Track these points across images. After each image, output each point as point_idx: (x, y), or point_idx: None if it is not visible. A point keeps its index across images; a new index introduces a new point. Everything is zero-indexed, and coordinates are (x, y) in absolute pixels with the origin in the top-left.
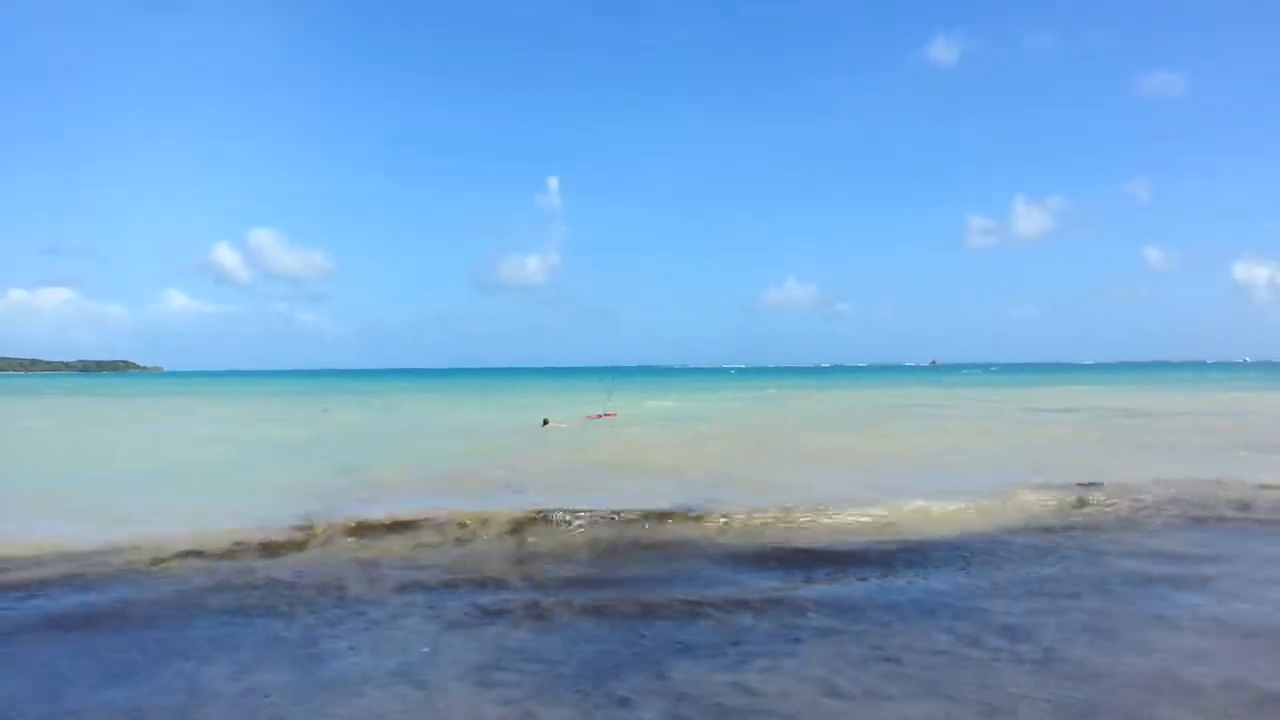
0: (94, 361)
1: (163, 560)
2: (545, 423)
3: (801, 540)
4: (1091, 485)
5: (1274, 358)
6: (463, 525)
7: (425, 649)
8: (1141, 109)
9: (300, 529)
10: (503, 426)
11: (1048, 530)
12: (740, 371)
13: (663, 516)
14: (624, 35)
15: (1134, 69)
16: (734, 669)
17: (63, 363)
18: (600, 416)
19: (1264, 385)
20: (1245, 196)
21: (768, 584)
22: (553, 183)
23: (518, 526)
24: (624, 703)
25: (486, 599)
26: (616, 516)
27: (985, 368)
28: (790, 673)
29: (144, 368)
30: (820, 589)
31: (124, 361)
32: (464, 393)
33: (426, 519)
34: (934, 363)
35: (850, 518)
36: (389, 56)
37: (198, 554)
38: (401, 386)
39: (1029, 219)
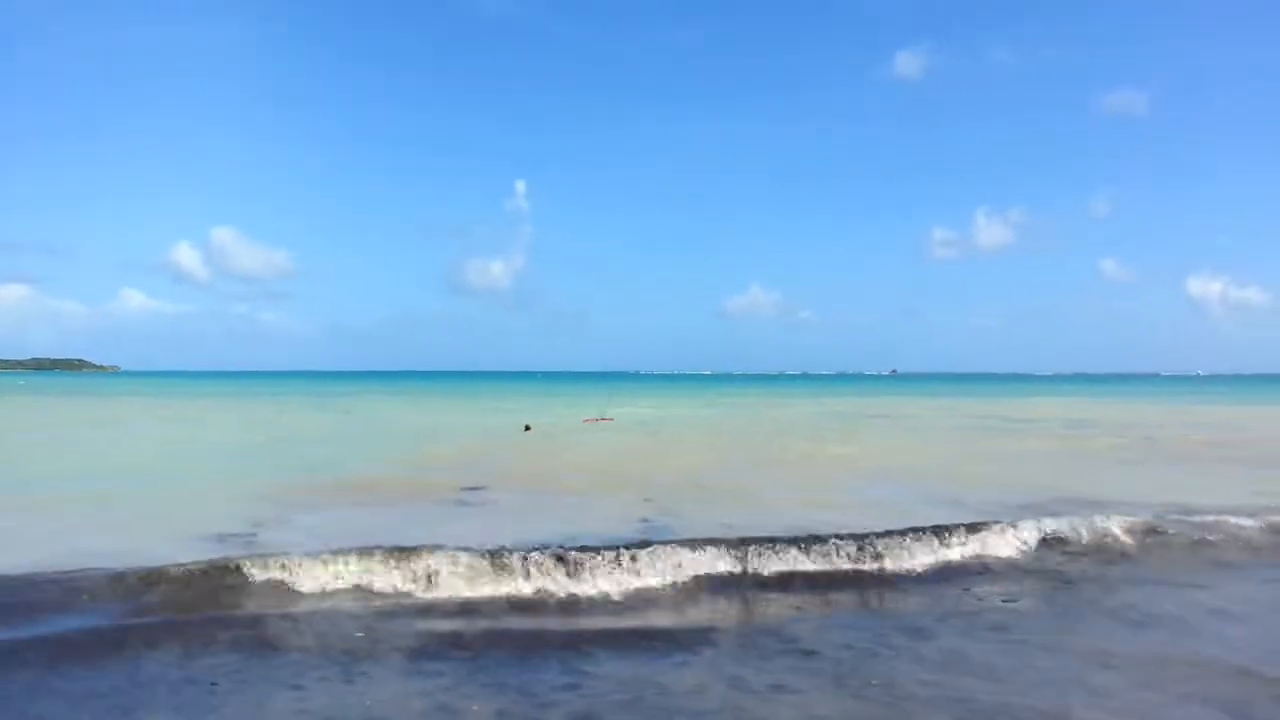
0: (49, 359)
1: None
2: (527, 428)
3: None
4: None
5: (1225, 370)
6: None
7: None
8: (1103, 125)
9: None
10: (483, 429)
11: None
12: (708, 378)
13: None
14: (594, 41)
15: (1097, 85)
16: None
17: (16, 360)
18: (598, 420)
19: (1222, 399)
20: (1201, 213)
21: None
22: (520, 186)
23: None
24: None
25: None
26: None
27: (944, 377)
28: None
29: (100, 367)
30: None
31: (79, 360)
32: (432, 396)
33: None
34: (894, 371)
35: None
36: (356, 55)
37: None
38: (365, 389)
39: (990, 231)
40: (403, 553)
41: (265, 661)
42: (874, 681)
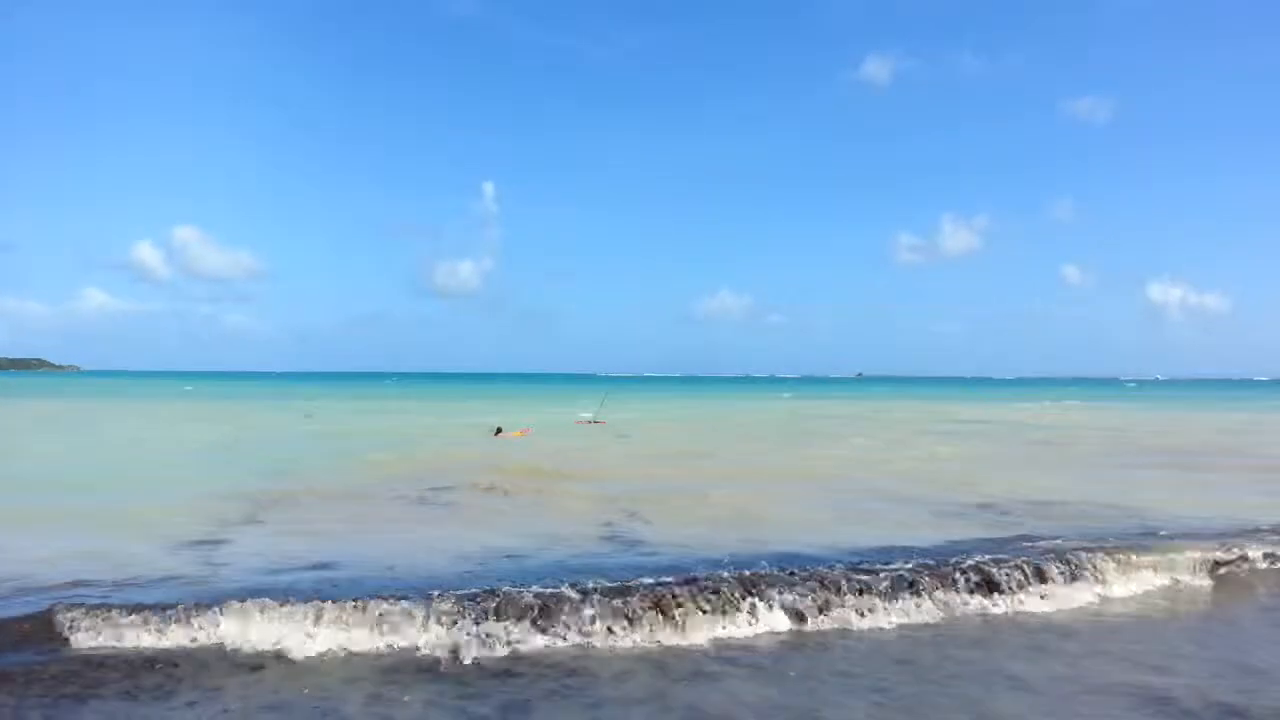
0: (7, 359)
1: None
2: (497, 431)
3: None
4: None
5: (1184, 375)
6: None
7: None
8: (1067, 131)
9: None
10: (451, 434)
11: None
12: (678, 380)
13: None
14: (560, 44)
15: (1062, 92)
16: None
17: None
18: (590, 422)
19: (1180, 403)
20: (1161, 219)
21: None
22: (489, 188)
23: None
24: None
25: None
26: None
27: (909, 380)
28: None
29: (59, 366)
30: None
31: (38, 360)
32: (401, 398)
33: None
34: (860, 375)
35: None
36: (321, 55)
37: None
38: (329, 390)
39: (956, 236)
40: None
41: None
42: None
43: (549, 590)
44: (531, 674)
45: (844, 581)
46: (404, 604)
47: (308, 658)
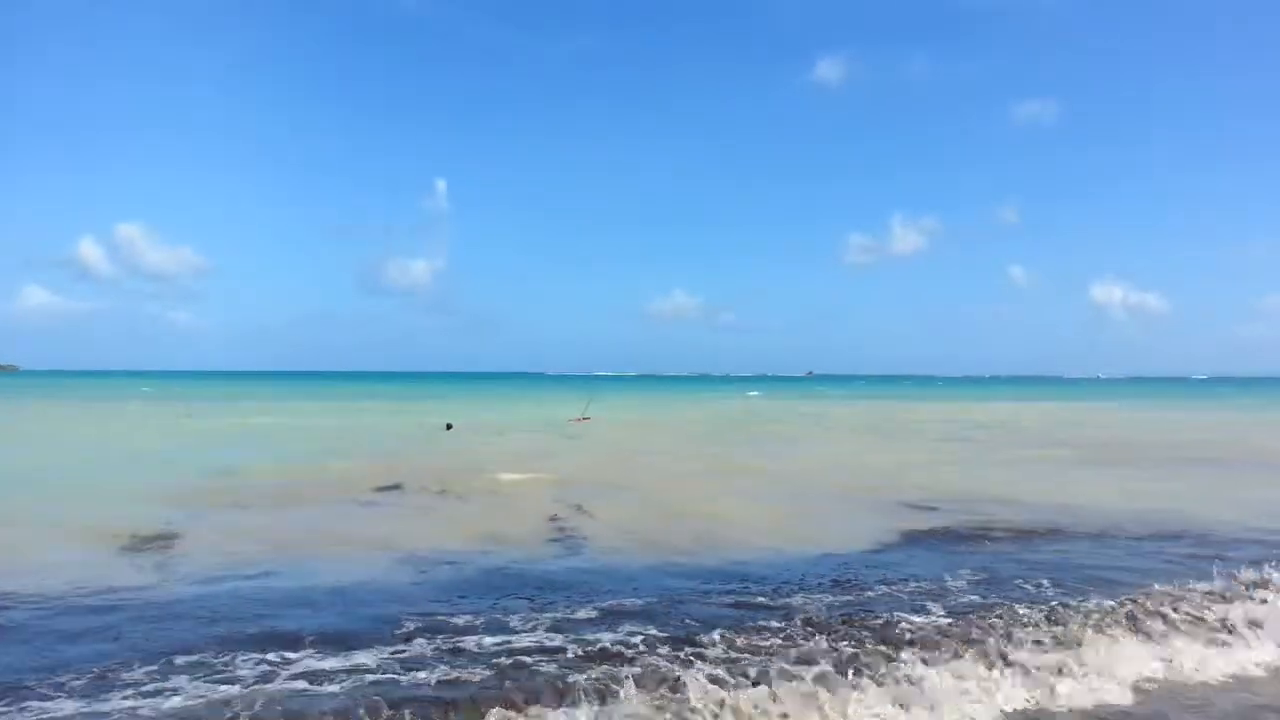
0: None
1: None
2: (448, 427)
3: None
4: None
5: (1124, 374)
6: None
7: None
8: (1014, 134)
9: None
10: (400, 431)
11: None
12: (633, 379)
13: None
14: (512, 43)
15: (1009, 95)
16: None
17: None
18: (580, 420)
19: (1115, 401)
20: (1104, 220)
21: None
22: (440, 185)
23: None
24: None
25: None
26: None
27: (859, 379)
28: None
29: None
30: None
31: None
32: (352, 396)
33: None
34: (810, 373)
35: None
36: (269, 51)
37: None
38: (279, 389)
39: (905, 237)
40: None
41: None
42: None
43: None
44: None
45: None
46: None
47: None
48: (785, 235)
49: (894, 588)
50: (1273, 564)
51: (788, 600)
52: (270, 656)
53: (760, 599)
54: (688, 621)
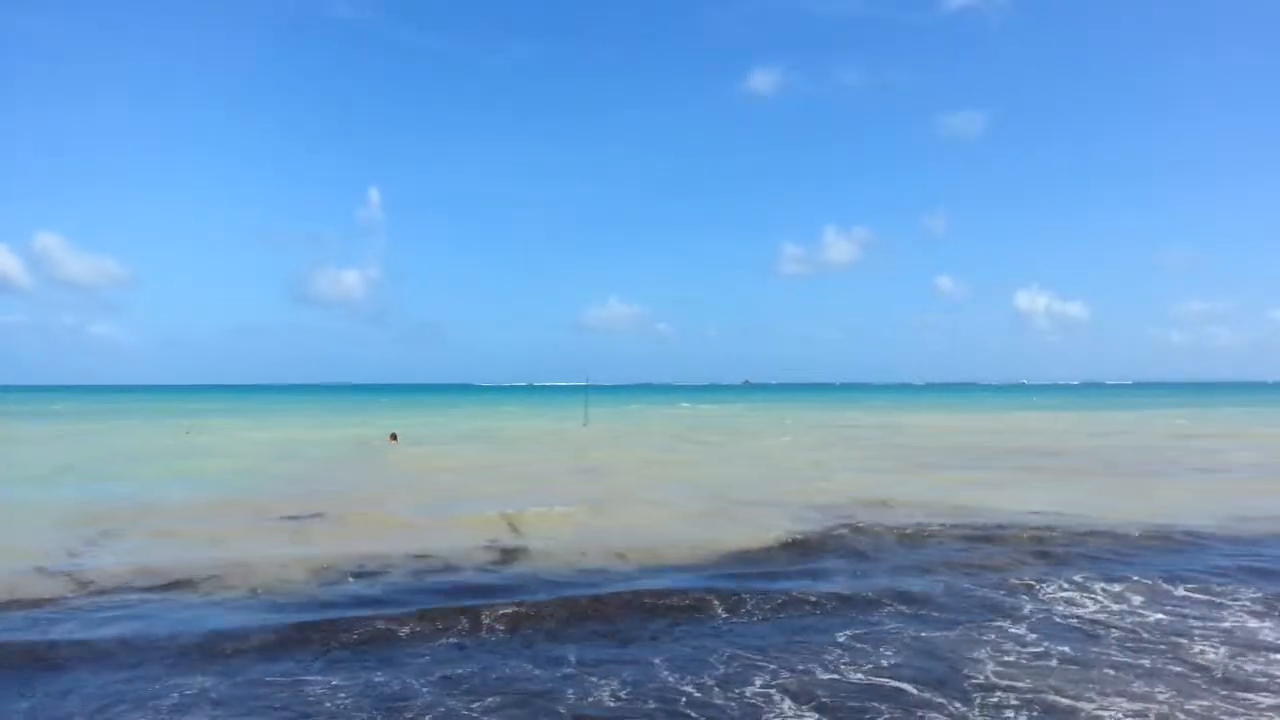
0: None
1: None
2: (393, 437)
3: None
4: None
5: (1047, 380)
6: None
7: None
8: (941, 145)
9: None
10: (343, 441)
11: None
12: (568, 389)
13: None
14: (446, 50)
15: (937, 107)
16: None
17: None
18: (583, 426)
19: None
20: (1028, 230)
21: None
22: (374, 194)
23: None
24: None
25: None
26: None
27: (792, 387)
28: None
29: None
30: None
31: None
32: (278, 410)
33: None
34: (746, 382)
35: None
36: (193, 54)
37: None
38: (204, 404)
39: (837, 247)
40: None
41: None
42: None
43: None
44: None
45: None
46: None
47: None
48: (720, 245)
49: None
50: None
51: None
52: None
53: None
54: None
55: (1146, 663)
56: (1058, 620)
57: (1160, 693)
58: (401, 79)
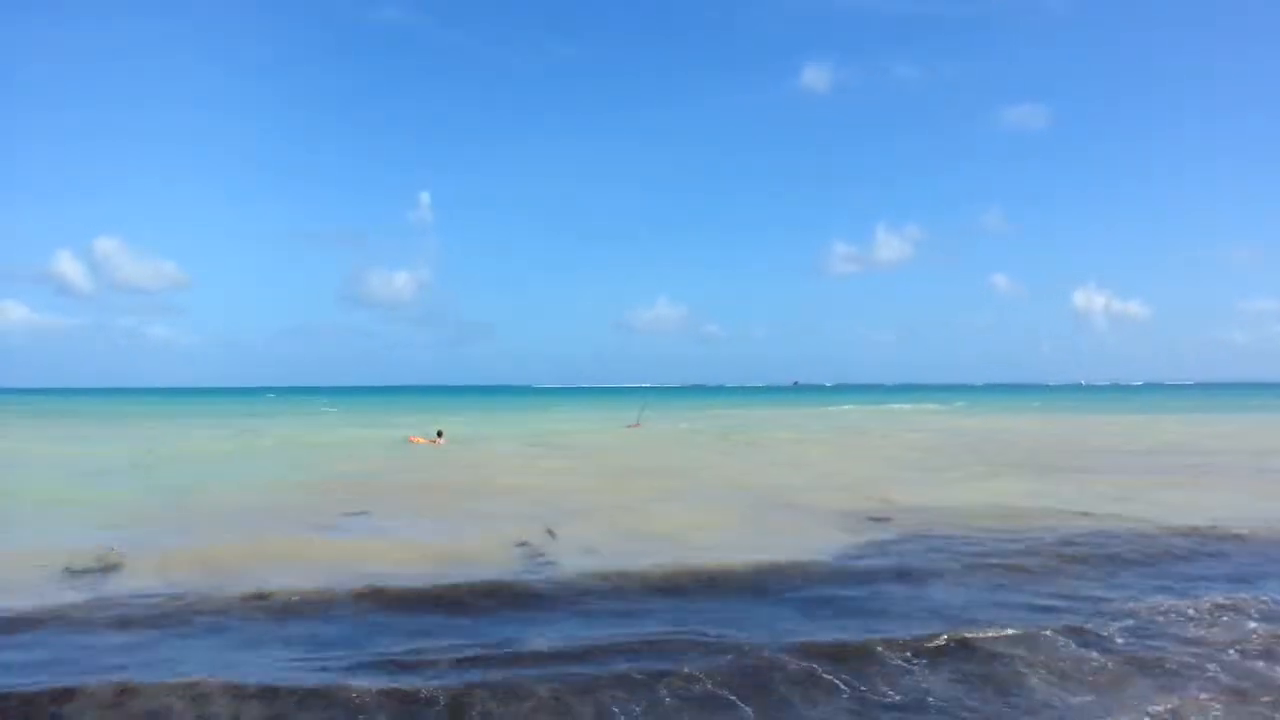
0: None
1: None
2: (439, 434)
3: None
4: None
5: (1106, 380)
6: None
7: None
8: (1000, 139)
9: None
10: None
11: None
12: (617, 391)
13: None
14: (494, 55)
15: (997, 100)
16: None
17: None
18: (634, 426)
19: (1101, 408)
20: (1088, 227)
21: None
22: (424, 197)
23: None
24: None
25: None
26: None
27: (843, 389)
28: None
29: None
30: None
31: None
32: (335, 411)
33: None
34: (795, 383)
35: None
36: (243, 62)
37: None
38: (265, 405)
39: (889, 245)
40: None
41: None
42: None
43: None
44: None
45: None
46: None
47: None
48: (770, 245)
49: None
50: None
51: None
52: None
53: None
54: None
55: None
56: None
57: None
58: (447, 82)
